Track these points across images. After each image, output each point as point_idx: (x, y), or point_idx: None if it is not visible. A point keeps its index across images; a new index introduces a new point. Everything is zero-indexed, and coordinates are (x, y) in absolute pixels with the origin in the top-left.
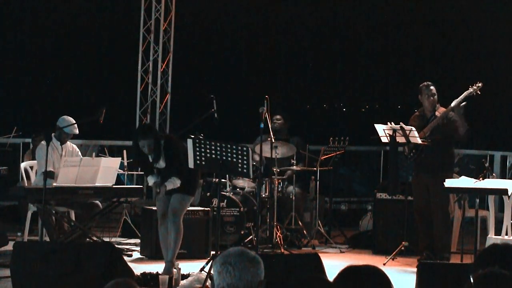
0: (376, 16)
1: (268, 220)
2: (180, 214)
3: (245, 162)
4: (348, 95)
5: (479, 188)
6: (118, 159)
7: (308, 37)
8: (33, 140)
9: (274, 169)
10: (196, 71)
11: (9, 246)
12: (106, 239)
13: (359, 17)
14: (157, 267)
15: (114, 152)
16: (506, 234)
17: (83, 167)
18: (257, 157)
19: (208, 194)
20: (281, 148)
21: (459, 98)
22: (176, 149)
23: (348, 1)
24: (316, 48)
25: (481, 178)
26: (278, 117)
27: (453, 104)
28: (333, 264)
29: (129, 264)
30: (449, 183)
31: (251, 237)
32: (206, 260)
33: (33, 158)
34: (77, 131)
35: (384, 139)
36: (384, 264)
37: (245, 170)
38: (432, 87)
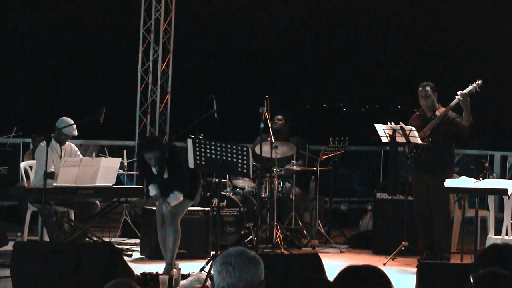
0: (376, 16)
1: (268, 220)
2: (178, 217)
3: (245, 162)
4: (348, 95)
5: (479, 188)
6: (118, 159)
7: (308, 37)
8: (33, 140)
9: (274, 169)
10: (196, 71)
11: (9, 246)
12: (106, 239)
13: (359, 17)
14: (157, 267)
15: (114, 152)
16: (506, 234)
17: (83, 167)
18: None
19: (208, 194)
20: (281, 148)
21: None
22: (179, 160)
23: (349, 1)
24: (316, 48)
25: (481, 178)
26: (279, 117)
27: (452, 103)
28: (333, 264)
29: (129, 264)
30: (449, 183)
31: (251, 237)
32: (206, 260)
33: (33, 158)
34: (76, 133)
35: (384, 139)
36: (384, 264)
37: (245, 170)
38: (427, 88)
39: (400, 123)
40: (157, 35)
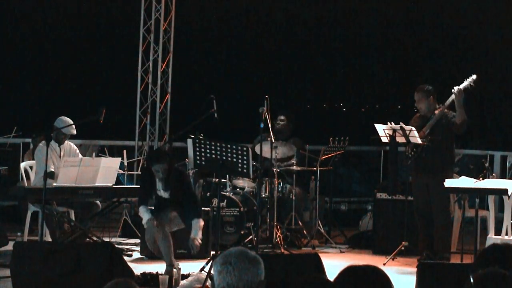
0: (376, 16)
1: (268, 220)
2: (171, 230)
3: (245, 162)
4: (348, 95)
5: (479, 188)
6: (118, 159)
7: (308, 37)
8: (33, 140)
9: (274, 169)
10: (196, 71)
11: (9, 246)
12: (106, 239)
13: (359, 17)
14: (157, 267)
15: (114, 152)
16: (506, 234)
17: (83, 167)
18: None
19: (208, 194)
20: (281, 148)
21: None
22: (189, 184)
23: (349, 1)
24: (317, 48)
25: (481, 178)
26: (282, 117)
27: (447, 101)
28: (333, 264)
29: (129, 264)
30: (449, 183)
31: (251, 237)
32: (206, 260)
33: (33, 158)
34: (74, 132)
35: (384, 139)
36: (384, 264)
37: (245, 170)
38: (418, 93)
39: (400, 123)
40: (157, 35)
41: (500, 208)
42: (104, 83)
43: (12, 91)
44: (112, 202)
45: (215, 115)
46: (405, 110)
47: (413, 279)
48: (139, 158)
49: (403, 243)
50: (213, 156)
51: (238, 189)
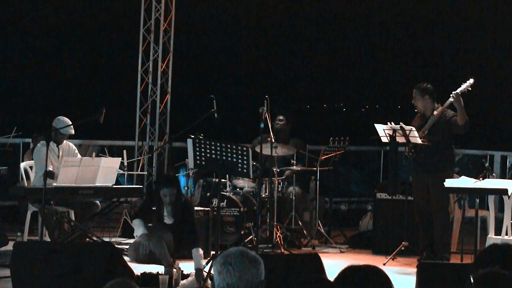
0: (376, 16)
1: (268, 220)
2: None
3: (245, 162)
4: (348, 95)
5: (479, 188)
6: (118, 159)
7: (308, 37)
8: (33, 140)
9: (274, 169)
10: (196, 71)
11: (9, 246)
12: (106, 239)
13: (359, 17)
14: (157, 267)
15: (114, 152)
16: (506, 234)
17: (83, 167)
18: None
19: (208, 194)
20: (281, 149)
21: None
22: (193, 212)
23: (349, 1)
24: (317, 48)
25: (481, 178)
26: (280, 117)
27: (446, 102)
28: (333, 264)
29: (129, 264)
30: (449, 183)
31: (251, 237)
32: (206, 260)
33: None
34: (72, 132)
35: (384, 139)
36: (384, 264)
37: (245, 170)
38: (414, 91)
39: (400, 123)
40: (157, 35)
41: (500, 208)
42: (104, 83)
43: (12, 91)
44: (112, 202)
45: (215, 115)
46: (405, 110)
47: (413, 279)
48: (139, 158)
49: (403, 243)
50: (213, 156)
51: (238, 189)
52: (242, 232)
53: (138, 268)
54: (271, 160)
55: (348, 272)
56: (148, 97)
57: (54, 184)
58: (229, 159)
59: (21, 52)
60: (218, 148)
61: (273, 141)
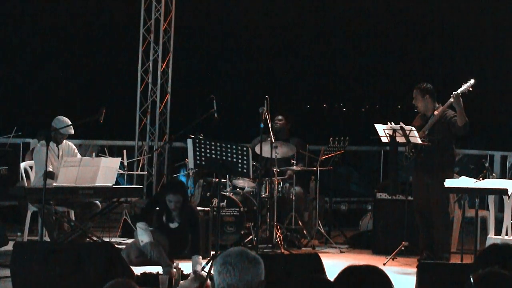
0: (376, 16)
1: (268, 220)
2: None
3: (245, 162)
4: (348, 95)
5: (479, 188)
6: (118, 159)
7: (308, 36)
8: (38, 137)
9: (274, 169)
10: (196, 71)
11: (9, 246)
12: (106, 239)
13: (359, 17)
14: (157, 267)
15: (114, 152)
16: (506, 234)
17: (83, 167)
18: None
19: (208, 194)
20: (281, 148)
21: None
22: (198, 221)
23: (348, 1)
24: (317, 48)
25: (481, 178)
26: (279, 117)
27: (447, 103)
28: (333, 264)
29: None
30: (449, 183)
31: (251, 237)
32: (206, 260)
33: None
34: (72, 131)
35: (384, 139)
36: (384, 264)
37: (245, 170)
38: (414, 91)
39: (400, 123)
40: (157, 35)
41: (500, 208)
42: (104, 83)
43: (12, 91)
44: (112, 202)
45: (215, 115)
46: (405, 110)
47: (413, 279)
48: (139, 158)
49: (403, 243)
50: (213, 156)
51: (238, 189)
52: (242, 232)
53: (138, 268)
54: (271, 160)
55: (348, 272)
56: (148, 97)
57: (54, 184)
58: (229, 159)
59: (21, 52)
60: (218, 148)
61: (273, 141)
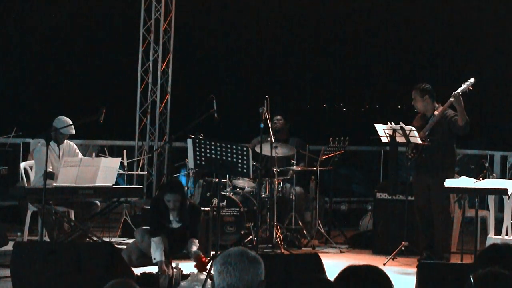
0: (376, 16)
1: (268, 220)
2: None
3: (245, 162)
4: (348, 95)
5: (479, 188)
6: (118, 159)
7: (308, 37)
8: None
9: (274, 169)
10: (196, 71)
11: (9, 246)
12: (106, 239)
13: (359, 17)
14: (157, 267)
15: (114, 152)
16: (506, 234)
17: (83, 167)
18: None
19: (208, 194)
20: (281, 148)
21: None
22: (200, 217)
23: (349, 1)
24: (316, 48)
25: (481, 178)
26: (278, 117)
27: (447, 103)
28: (333, 264)
29: None
30: (449, 183)
31: (251, 237)
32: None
33: None
34: (73, 131)
35: (384, 139)
36: (384, 264)
37: (245, 170)
38: (413, 92)
39: (400, 123)
40: (157, 35)
41: (500, 208)
42: (104, 83)
43: (12, 91)
44: (112, 202)
45: (215, 115)
46: (405, 110)
47: (413, 279)
48: (139, 158)
49: (403, 243)
50: (213, 156)
51: (238, 189)
52: (242, 232)
53: (138, 268)
54: (271, 160)
55: (348, 272)
56: (148, 97)
57: (54, 184)
58: (229, 159)
59: (21, 51)
60: (218, 148)
61: (273, 141)
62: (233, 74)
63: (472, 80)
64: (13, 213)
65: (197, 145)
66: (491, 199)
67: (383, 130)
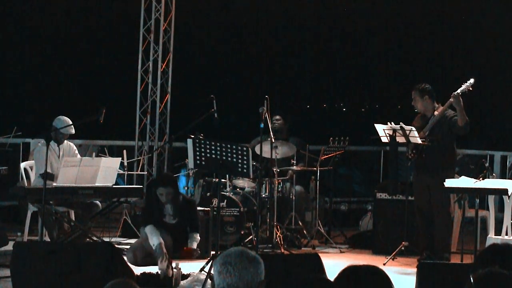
0: (376, 16)
1: (268, 220)
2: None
3: (245, 162)
4: (348, 95)
5: (479, 188)
6: (118, 159)
7: (308, 37)
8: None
9: (274, 169)
10: (196, 71)
11: (9, 246)
12: (106, 239)
13: (359, 17)
14: (157, 267)
15: (114, 152)
16: (506, 234)
17: (83, 167)
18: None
19: (208, 194)
20: (281, 148)
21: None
22: (196, 211)
23: (349, 1)
24: (316, 48)
25: (481, 178)
26: (277, 117)
27: (447, 103)
28: (333, 264)
29: (129, 264)
30: (449, 183)
31: (251, 237)
32: (206, 260)
33: None
34: (73, 131)
35: (384, 139)
36: (384, 264)
37: (245, 170)
38: (413, 93)
39: (400, 123)
40: (157, 35)
41: (500, 208)
42: (104, 83)
43: (12, 91)
44: (112, 202)
45: (215, 115)
46: (405, 110)
47: (413, 279)
48: (139, 158)
49: (403, 243)
50: (213, 156)
51: (238, 189)
52: (242, 232)
53: (138, 268)
54: (271, 160)
55: (348, 272)
56: (148, 97)
57: (54, 184)
58: (229, 159)
59: (21, 51)
60: (218, 148)
61: (273, 140)
62: (233, 74)
63: (471, 80)
64: (13, 213)
65: (197, 145)
66: (491, 199)
67: (383, 130)
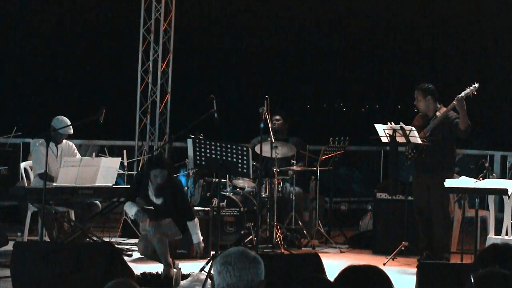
0: (376, 17)
1: (268, 220)
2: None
3: (245, 162)
4: (348, 95)
5: (479, 188)
6: (118, 159)
7: (308, 37)
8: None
9: (274, 169)
10: (196, 71)
11: (9, 246)
12: (106, 239)
13: (359, 17)
14: (157, 267)
15: (114, 152)
16: (506, 234)
17: (83, 167)
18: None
19: (208, 194)
20: (281, 148)
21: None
22: (183, 192)
23: (349, 1)
24: (316, 48)
25: (481, 178)
26: (277, 117)
27: (450, 105)
28: (333, 264)
29: (129, 264)
30: (449, 183)
31: (251, 237)
32: (206, 260)
33: None
34: (71, 131)
35: (384, 139)
36: (384, 264)
37: (245, 170)
38: (416, 92)
39: (400, 123)
40: (157, 35)
41: (500, 208)
42: (104, 83)
43: (12, 91)
44: (112, 202)
45: (215, 115)
46: (405, 110)
47: (413, 279)
48: (139, 158)
49: (403, 243)
50: (213, 156)
51: (238, 189)
52: (242, 232)
53: (138, 268)
54: (271, 160)
55: (348, 272)
56: (148, 97)
57: (54, 184)
58: (229, 159)
59: (21, 52)
60: (218, 148)
61: (273, 140)
62: (233, 74)
63: (476, 85)
64: (13, 213)
65: (197, 145)
66: (491, 199)
67: (383, 130)
